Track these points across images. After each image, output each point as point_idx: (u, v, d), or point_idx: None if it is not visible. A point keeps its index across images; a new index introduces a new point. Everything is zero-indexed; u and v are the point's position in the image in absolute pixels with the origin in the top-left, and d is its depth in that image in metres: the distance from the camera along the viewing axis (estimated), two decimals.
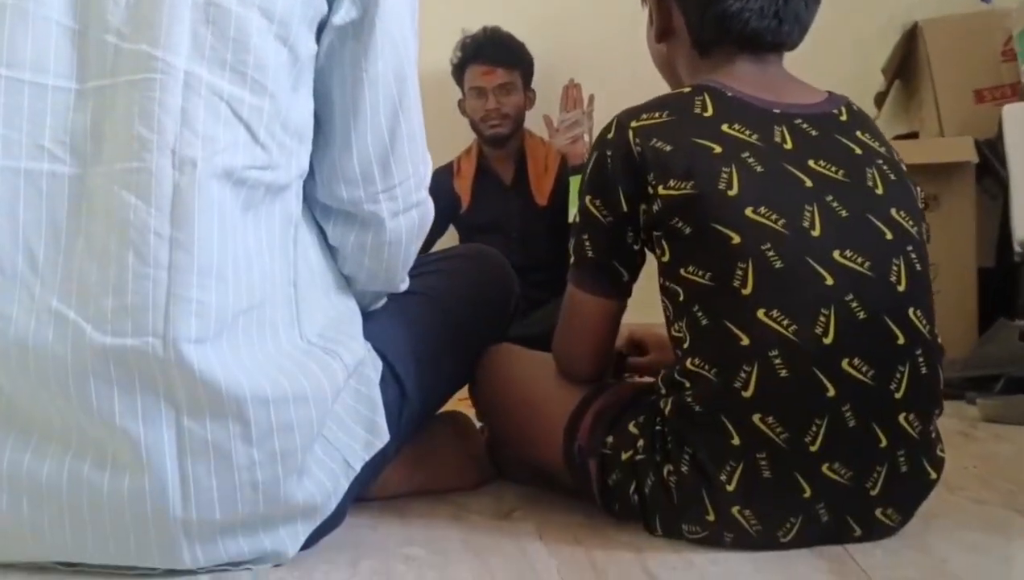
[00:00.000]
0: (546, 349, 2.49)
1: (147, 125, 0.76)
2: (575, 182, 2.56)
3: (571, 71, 2.96)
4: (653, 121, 0.94)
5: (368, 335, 1.00)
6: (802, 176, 0.90)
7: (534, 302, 2.72)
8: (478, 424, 1.34)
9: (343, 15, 0.85)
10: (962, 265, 2.21)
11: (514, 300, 1.32)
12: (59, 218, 0.78)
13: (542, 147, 2.79)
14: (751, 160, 0.89)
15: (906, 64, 2.68)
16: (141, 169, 0.76)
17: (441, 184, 2.84)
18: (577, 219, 1.02)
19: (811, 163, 0.91)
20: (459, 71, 2.82)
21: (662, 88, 1.07)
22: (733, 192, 0.88)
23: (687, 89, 0.96)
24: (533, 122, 2.86)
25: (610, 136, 0.97)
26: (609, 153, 0.96)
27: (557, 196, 2.71)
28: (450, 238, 2.89)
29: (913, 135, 2.36)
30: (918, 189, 0.99)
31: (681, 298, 0.92)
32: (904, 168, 0.98)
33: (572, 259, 1.04)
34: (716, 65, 0.99)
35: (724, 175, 0.88)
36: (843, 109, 1.00)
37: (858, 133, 0.97)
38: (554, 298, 2.59)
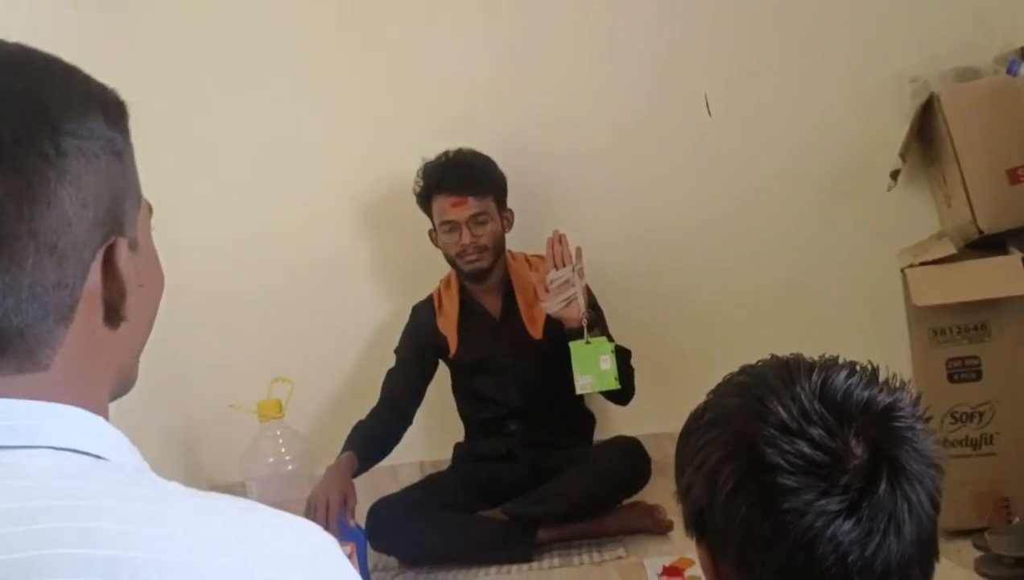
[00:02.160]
0: (549, 525, 2.30)
1: None
2: (577, 348, 2.29)
3: (546, 181, 2.68)
4: None
5: None
6: None
7: (538, 448, 2.49)
8: None
9: None
10: (1023, 407, 1.97)
11: None
12: None
13: (529, 272, 2.50)
14: None
15: (921, 132, 2.39)
16: None
17: (424, 324, 2.57)
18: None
19: None
20: (425, 201, 2.51)
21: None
22: None
23: None
24: (515, 240, 2.58)
25: None
26: None
27: (551, 328, 2.44)
28: (441, 377, 2.63)
29: (951, 258, 2.07)
30: None
31: None
32: None
33: None
34: None
35: None
36: None
37: None
38: (561, 451, 2.41)
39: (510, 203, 2.54)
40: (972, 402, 2.01)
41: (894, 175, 2.40)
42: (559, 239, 2.33)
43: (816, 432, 0.70)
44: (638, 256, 2.66)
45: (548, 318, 2.44)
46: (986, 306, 1.98)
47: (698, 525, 0.78)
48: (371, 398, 2.50)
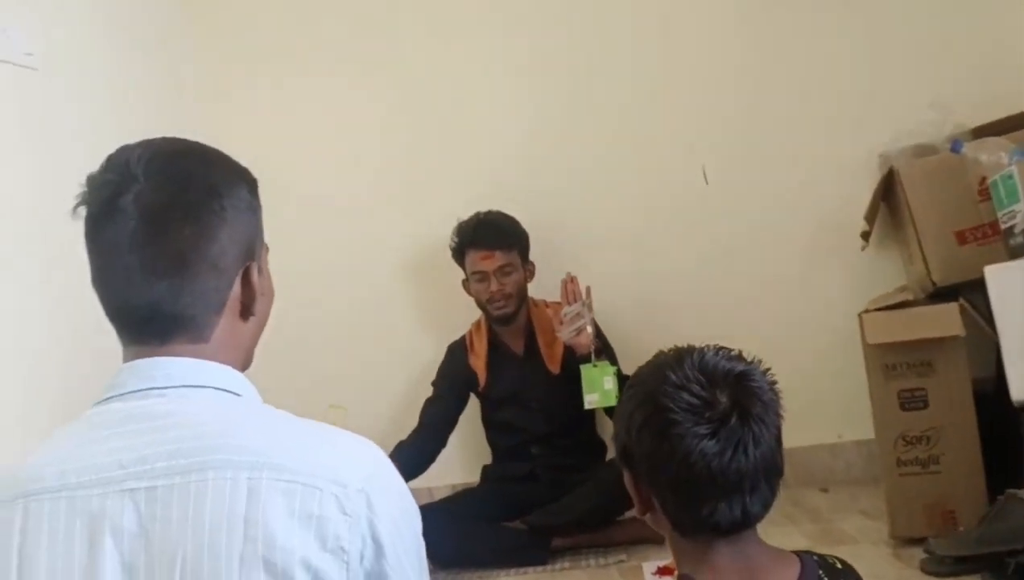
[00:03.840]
0: (575, 533, 2.64)
1: None
2: (586, 370, 2.68)
3: (562, 234, 3.10)
4: None
5: None
6: None
7: (557, 470, 2.86)
8: None
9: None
10: (964, 431, 2.29)
11: None
12: None
13: (546, 316, 2.91)
14: None
15: (888, 199, 2.76)
16: None
17: (458, 361, 2.97)
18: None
19: None
20: (459, 255, 2.93)
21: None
22: None
23: None
24: (537, 288, 2.99)
25: None
26: None
27: (568, 364, 2.83)
28: (471, 412, 3.02)
29: (902, 304, 2.43)
30: None
31: None
32: None
33: None
34: (698, 552, 1.10)
35: None
36: None
37: None
38: (577, 473, 2.78)
39: (532, 253, 2.96)
40: (920, 427, 2.34)
41: (864, 235, 2.79)
42: (571, 279, 2.77)
43: (695, 388, 1.08)
44: (640, 296, 3.05)
45: (565, 355, 2.84)
46: (931, 345, 2.32)
47: (624, 459, 1.15)
48: (413, 423, 2.90)
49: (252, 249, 1.00)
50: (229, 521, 0.83)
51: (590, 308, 2.71)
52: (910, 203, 2.58)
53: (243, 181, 1.01)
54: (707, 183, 3.04)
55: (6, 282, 2.17)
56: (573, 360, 2.79)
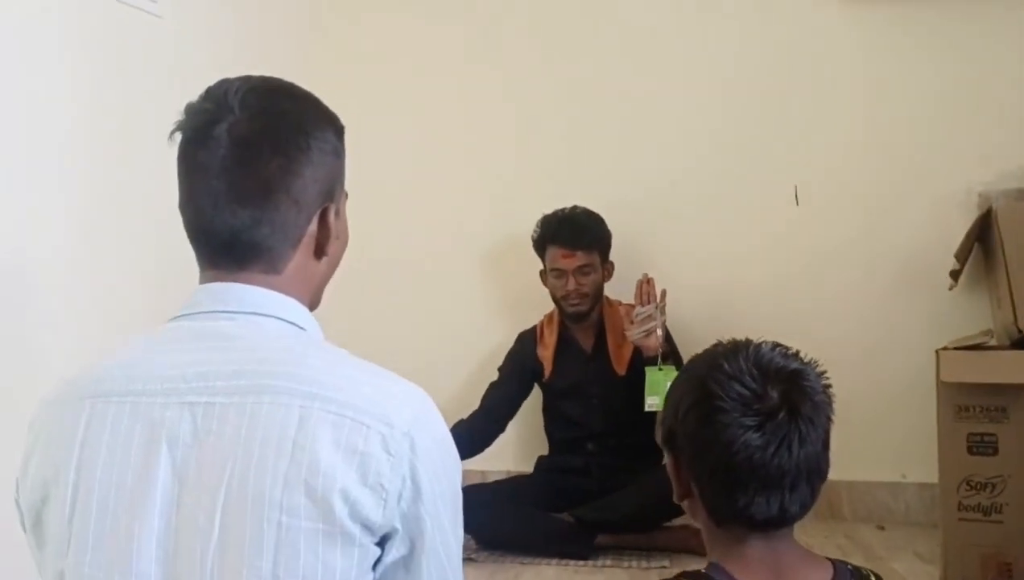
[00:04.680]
0: (626, 532, 2.64)
1: None
2: (650, 373, 2.69)
3: (645, 237, 3.11)
4: None
5: None
6: None
7: (610, 469, 2.87)
8: None
9: (394, 554, 0.98)
10: None
11: None
12: None
13: (619, 316, 2.91)
14: None
15: (983, 240, 2.70)
16: None
17: (527, 349, 3.01)
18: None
19: None
20: (539, 248, 2.97)
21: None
22: None
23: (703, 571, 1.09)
24: (613, 288, 3.00)
25: None
26: None
27: (634, 366, 2.83)
28: (534, 398, 3.06)
29: (982, 346, 2.37)
30: None
31: None
32: None
33: None
34: (730, 542, 1.11)
35: None
36: None
37: None
38: (629, 474, 2.78)
39: (615, 254, 2.97)
40: (987, 474, 2.29)
41: (954, 274, 2.72)
42: (647, 281, 2.77)
43: (747, 380, 1.09)
44: (715, 310, 3.04)
45: (632, 358, 2.84)
46: (1008, 391, 2.26)
47: (668, 441, 1.17)
48: (476, 405, 2.95)
49: (332, 191, 1.03)
50: (279, 442, 0.87)
51: (663, 311, 2.72)
52: (1005, 246, 2.52)
53: (331, 125, 1.05)
54: (797, 204, 3.01)
55: (133, 226, 2.28)
56: (639, 363, 2.79)
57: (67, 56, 2.11)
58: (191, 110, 1.00)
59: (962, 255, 2.66)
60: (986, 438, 2.29)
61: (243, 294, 0.98)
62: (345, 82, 3.35)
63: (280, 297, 0.99)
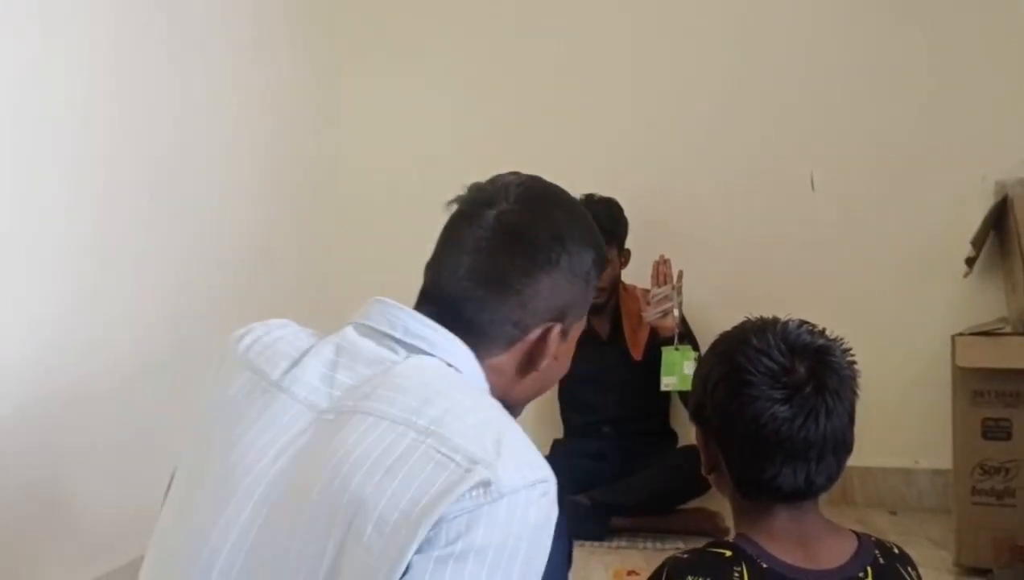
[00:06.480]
0: (640, 514, 2.67)
1: None
2: (667, 353, 2.71)
3: (667, 228, 3.12)
4: None
5: None
6: None
7: (626, 453, 2.89)
8: None
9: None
10: None
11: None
12: None
13: (635, 301, 2.93)
14: None
15: (999, 227, 2.71)
16: None
17: None
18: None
19: None
20: None
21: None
22: None
23: (728, 553, 1.11)
24: (630, 274, 3.03)
25: None
26: None
27: (650, 351, 2.86)
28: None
29: (997, 332, 2.39)
30: None
31: None
32: None
33: None
34: (756, 514, 1.14)
35: None
36: (869, 571, 1.12)
37: None
38: (645, 459, 2.80)
39: (632, 239, 2.98)
40: (1000, 458, 2.31)
41: (969, 261, 2.74)
42: (664, 261, 2.79)
43: (775, 354, 1.12)
44: (732, 294, 3.02)
45: (648, 343, 2.86)
46: (1022, 376, 2.28)
47: (697, 413, 1.20)
48: None
49: (564, 312, 1.03)
50: (372, 463, 0.83)
51: (679, 292, 2.74)
52: (1020, 234, 2.53)
53: (592, 250, 1.06)
54: (813, 189, 3.02)
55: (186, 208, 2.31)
56: (656, 348, 2.81)
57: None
58: (472, 188, 1.06)
59: (978, 242, 2.68)
60: (1000, 423, 2.31)
61: (411, 324, 0.97)
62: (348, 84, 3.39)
63: (449, 341, 0.97)
